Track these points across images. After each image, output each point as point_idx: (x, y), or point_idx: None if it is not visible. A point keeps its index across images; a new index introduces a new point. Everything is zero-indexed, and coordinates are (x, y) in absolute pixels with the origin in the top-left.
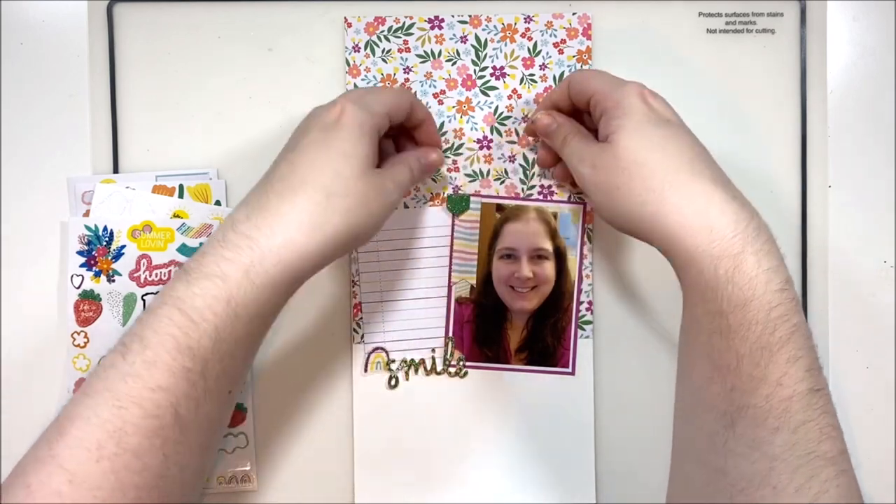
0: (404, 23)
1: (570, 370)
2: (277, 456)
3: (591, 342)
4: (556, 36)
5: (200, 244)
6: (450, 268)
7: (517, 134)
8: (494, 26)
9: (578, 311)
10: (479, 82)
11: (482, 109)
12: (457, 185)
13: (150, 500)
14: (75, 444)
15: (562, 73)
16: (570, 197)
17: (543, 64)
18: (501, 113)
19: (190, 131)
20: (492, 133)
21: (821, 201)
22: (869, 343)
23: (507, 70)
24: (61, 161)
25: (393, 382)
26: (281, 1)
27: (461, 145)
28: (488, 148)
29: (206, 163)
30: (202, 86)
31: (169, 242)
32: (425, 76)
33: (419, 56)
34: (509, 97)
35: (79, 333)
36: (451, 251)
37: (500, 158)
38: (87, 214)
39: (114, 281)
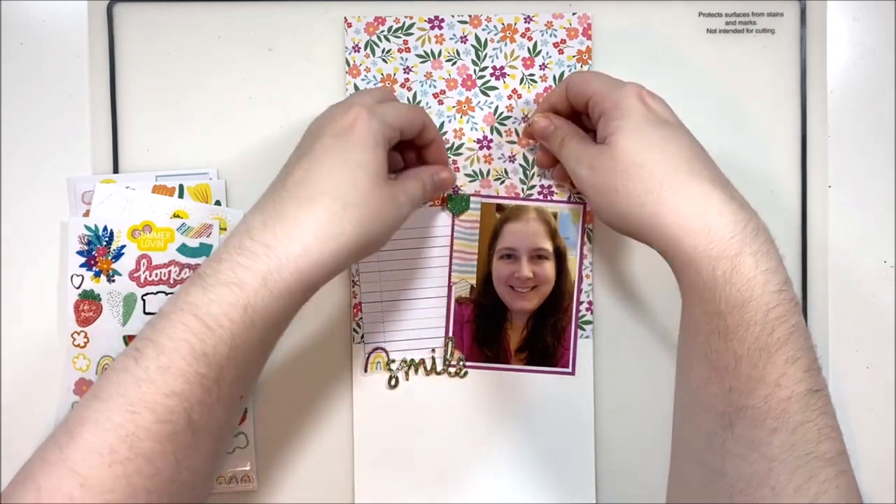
0: (404, 23)
1: (570, 370)
2: (277, 456)
3: (591, 342)
4: (556, 36)
5: (200, 244)
6: (450, 268)
7: (517, 134)
8: (494, 26)
9: (578, 311)
10: (479, 82)
11: (482, 109)
12: (457, 186)
13: None
14: (87, 447)
15: (562, 73)
16: (570, 197)
17: (543, 64)
18: (501, 113)
19: (190, 131)
20: (492, 133)
21: (821, 201)
22: (869, 343)
23: (507, 70)
24: (61, 161)
25: (393, 382)
26: (281, 1)
27: (461, 145)
28: (488, 148)
29: (206, 163)
30: (202, 86)
31: (169, 242)
32: (425, 76)
33: (419, 56)
34: (509, 97)
35: (79, 333)
36: (451, 251)
37: (500, 158)
38: (87, 214)
39: (114, 281)
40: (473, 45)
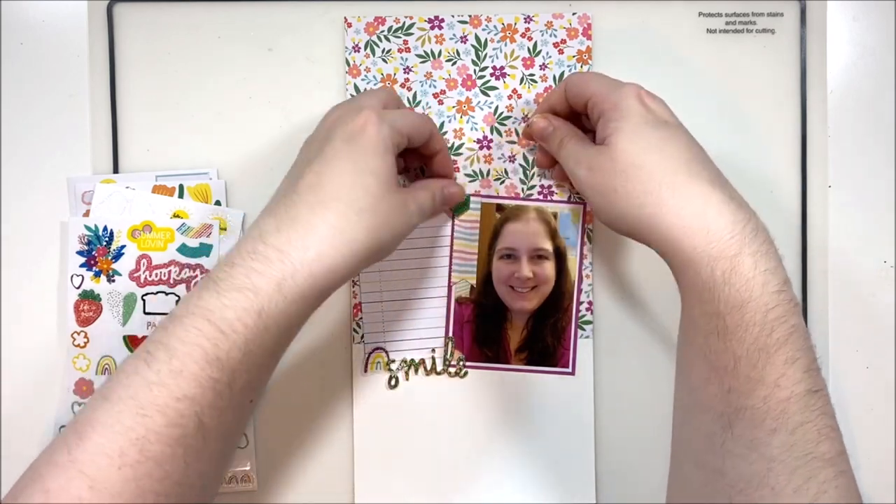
0: (404, 23)
1: (570, 370)
2: (277, 456)
3: (591, 342)
4: (556, 36)
5: (200, 244)
6: (450, 268)
7: (517, 134)
8: (494, 26)
9: (578, 311)
10: (479, 82)
11: (482, 109)
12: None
13: None
14: (96, 450)
15: (562, 73)
16: (570, 197)
17: (543, 64)
18: (501, 113)
19: (190, 131)
20: (492, 133)
21: (821, 201)
22: (869, 343)
23: (507, 70)
24: (61, 161)
25: (393, 382)
26: (281, 1)
27: (461, 145)
28: (488, 148)
29: (206, 163)
30: (202, 86)
31: (169, 242)
32: (425, 76)
33: (419, 56)
34: (509, 97)
35: (79, 333)
36: (451, 251)
37: (500, 158)
38: (87, 214)
39: (114, 281)
40: (473, 45)
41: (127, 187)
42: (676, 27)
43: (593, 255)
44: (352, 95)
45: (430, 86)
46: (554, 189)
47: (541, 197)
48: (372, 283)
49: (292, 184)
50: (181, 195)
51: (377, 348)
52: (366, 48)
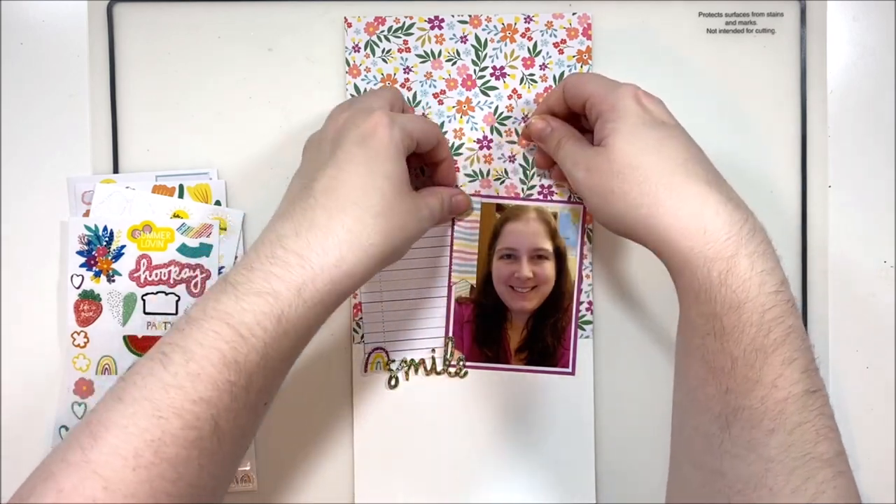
0: (404, 23)
1: (570, 370)
2: (277, 456)
3: (591, 342)
4: (556, 36)
5: (200, 244)
6: (450, 268)
7: (517, 134)
8: (494, 26)
9: (578, 311)
10: (479, 82)
11: (482, 109)
12: (457, 186)
13: None
14: (111, 451)
15: (562, 73)
16: (570, 197)
17: (543, 64)
18: (501, 113)
19: (190, 131)
20: (492, 133)
21: (821, 201)
22: (869, 343)
23: (507, 70)
24: (61, 161)
25: (393, 382)
26: (281, 1)
27: (461, 145)
28: (488, 148)
29: (206, 163)
30: (202, 86)
31: (169, 242)
32: (425, 76)
33: (419, 56)
34: (509, 97)
35: (79, 333)
36: (451, 251)
37: (500, 158)
38: (87, 214)
39: (114, 281)
40: (473, 45)
41: (127, 187)
42: (676, 27)
43: (593, 255)
44: (352, 95)
45: (430, 86)
46: (554, 189)
47: (541, 197)
48: (372, 283)
49: (306, 186)
50: (181, 195)
51: (377, 348)
52: (366, 48)
